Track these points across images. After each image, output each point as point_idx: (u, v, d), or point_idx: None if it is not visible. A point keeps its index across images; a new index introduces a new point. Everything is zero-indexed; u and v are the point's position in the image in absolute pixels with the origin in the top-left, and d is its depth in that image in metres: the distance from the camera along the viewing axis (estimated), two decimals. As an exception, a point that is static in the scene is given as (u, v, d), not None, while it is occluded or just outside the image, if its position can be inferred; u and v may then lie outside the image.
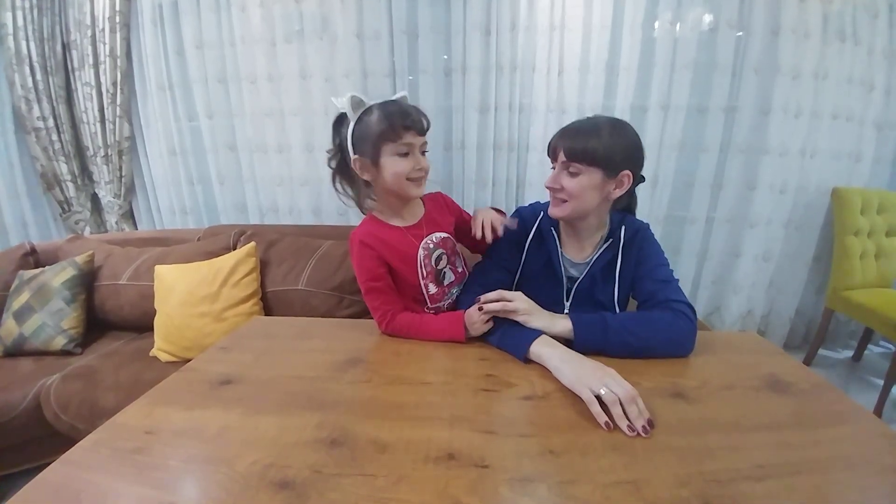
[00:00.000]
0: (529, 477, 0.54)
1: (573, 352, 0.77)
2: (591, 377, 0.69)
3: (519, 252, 1.08)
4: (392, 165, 0.91)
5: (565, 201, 0.94)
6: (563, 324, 0.84)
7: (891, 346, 2.40)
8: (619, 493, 0.51)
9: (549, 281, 1.04)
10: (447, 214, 1.10)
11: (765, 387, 0.73)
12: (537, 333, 0.83)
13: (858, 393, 1.99)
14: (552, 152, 0.96)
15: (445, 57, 2.11)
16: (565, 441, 0.61)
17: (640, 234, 1.01)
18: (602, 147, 0.89)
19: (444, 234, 1.05)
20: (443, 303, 1.06)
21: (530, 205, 1.14)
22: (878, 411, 1.79)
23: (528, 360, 0.81)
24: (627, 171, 0.93)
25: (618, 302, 0.99)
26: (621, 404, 0.63)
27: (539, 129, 2.07)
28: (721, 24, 1.94)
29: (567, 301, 1.04)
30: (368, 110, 0.92)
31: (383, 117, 0.89)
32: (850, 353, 2.34)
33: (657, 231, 2.17)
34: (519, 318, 0.86)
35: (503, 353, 0.86)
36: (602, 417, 0.63)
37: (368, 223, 1.01)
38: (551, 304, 0.97)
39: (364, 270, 0.97)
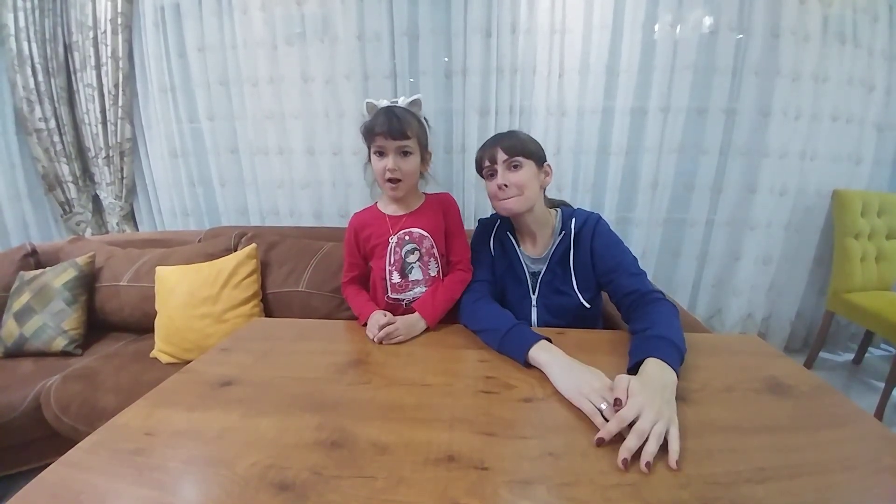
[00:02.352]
0: (529, 479, 0.54)
1: (572, 359, 0.77)
2: (590, 389, 0.68)
3: (491, 255, 1.15)
4: (374, 164, 1.05)
5: (515, 196, 1.01)
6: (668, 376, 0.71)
7: (891, 348, 2.40)
8: (619, 495, 0.51)
9: (514, 279, 1.12)
10: (439, 216, 1.13)
11: (765, 389, 0.73)
12: (538, 337, 0.83)
13: (859, 396, 1.99)
14: (488, 160, 1.04)
15: (446, 59, 2.11)
16: (565, 443, 0.61)
17: (589, 223, 1.07)
18: (527, 141, 1.04)
19: (422, 232, 1.09)
20: (404, 296, 1.09)
21: (490, 215, 1.21)
22: (879, 414, 1.79)
23: (528, 365, 0.81)
24: (548, 163, 1.08)
25: (578, 290, 1.05)
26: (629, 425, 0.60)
27: (539, 131, 2.07)
28: (721, 26, 1.95)
29: (534, 294, 1.10)
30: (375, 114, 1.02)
31: (369, 120, 1.01)
32: (850, 356, 2.34)
33: (657, 233, 2.18)
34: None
35: (503, 355, 0.86)
36: (608, 433, 0.59)
37: (367, 208, 1.17)
38: (520, 300, 1.09)
39: (345, 243, 1.17)
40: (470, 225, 2.18)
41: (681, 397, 0.70)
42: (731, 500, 0.49)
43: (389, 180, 1.03)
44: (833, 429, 0.63)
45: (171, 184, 2.47)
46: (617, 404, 0.63)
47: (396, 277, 1.09)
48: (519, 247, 1.12)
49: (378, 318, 0.97)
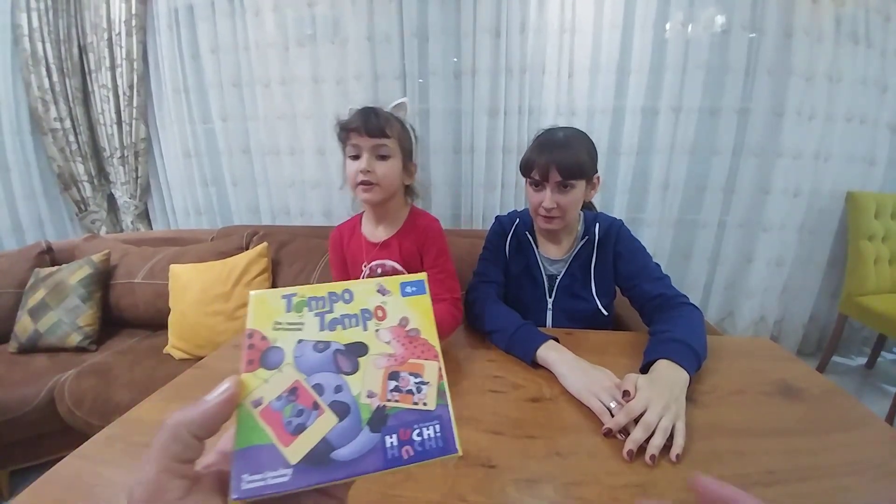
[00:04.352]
0: (536, 478, 0.54)
1: (580, 359, 0.77)
2: (600, 388, 0.68)
3: (505, 254, 1.12)
4: (346, 166, 0.91)
5: (558, 217, 0.98)
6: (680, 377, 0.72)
7: (906, 353, 2.36)
8: (626, 495, 0.51)
9: (530, 282, 1.09)
10: (414, 246, 0.97)
11: (776, 392, 0.72)
12: (545, 338, 0.83)
13: (871, 400, 1.96)
14: (538, 173, 0.96)
15: (455, 59, 2.12)
16: (572, 443, 0.61)
17: (614, 230, 1.04)
18: (586, 158, 0.96)
19: (395, 265, 0.98)
20: None
21: (508, 213, 1.18)
22: (890, 418, 1.76)
23: (535, 365, 0.82)
24: (598, 174, 1.02)
25: (597, 296, 1.03)
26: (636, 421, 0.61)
27: (549, 131, 2.06)
28: (734, 24, 1.93)
29: (550, 298, 1.07)
30: None
31: (344, 119, 0.90)
32: (863, 360, 2.30)
33: (668, 235, 2.16)
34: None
35: (505, 356, 0.86)
36: (616, 424, 0.61)
37: (351, 219, 1.07)
38: (535, 303, 1.05)
39: (331, 263, 1.08)
40: (478, 225, 2.22)
41: (691, 399, 0.69)
42: (739, 502, 0.49)
43: (362, 183, 0.88)
44: (843, 432, 0.62)
45: (184, 183, 2.51)
46: (625, 396, 0.64)
47: None
48: (537, 248, 1.09)
49: None
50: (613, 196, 2.15)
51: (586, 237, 1.04)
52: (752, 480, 0.53)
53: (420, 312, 0.32)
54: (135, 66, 2.29)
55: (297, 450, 0.25)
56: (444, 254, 0.98)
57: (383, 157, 0.88)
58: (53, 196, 2.55)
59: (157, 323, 1.76)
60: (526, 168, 1.00)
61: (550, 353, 0.79)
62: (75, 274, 1.75)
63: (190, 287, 1.67)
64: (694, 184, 2.13)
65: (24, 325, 1.67)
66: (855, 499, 0.51)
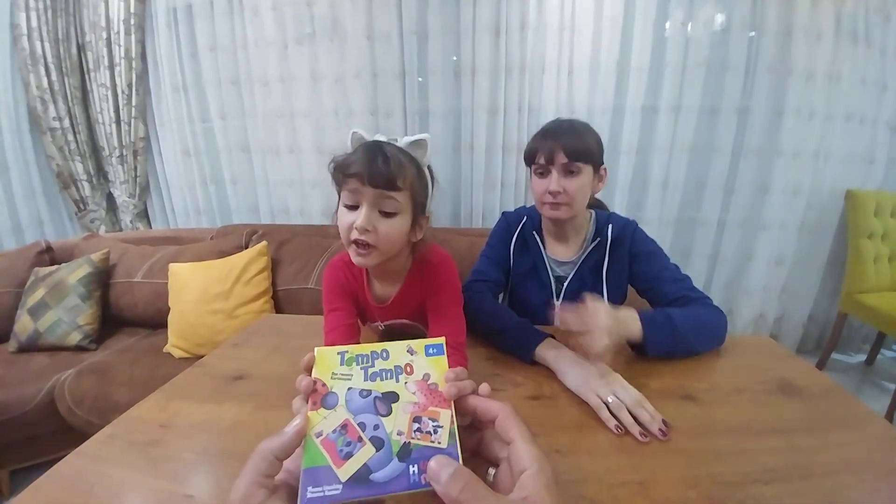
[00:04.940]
0: (537, 475, 0.54)
1: (578, 355, 0.76)
2: (598, 383, 0.68)
3: (508, 252, 1.09)
4: (339, 216, 0.71)
5: (565, 204, 0.94)
6: (633, 327, 0.78)
7: (905, 351, 2.37)
8: (627, 493, 0.51)
9: (536, 283, 1.06)
10: (420, 297, 0.82)
11: (776, 390, 0.73)
12: (543, 336, 0.82)
13: (871, 398, 1.96)
14: (543, 157, 0.93)
15: (455, 58, 2.11)
16: (572, 441, 0.61)
17: (628, 231, 1.01)
18: (591, 141, 0.94)
19: (404, 321, 0.86)
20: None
21: (515, 210, 1.14)
22: (890, 416, 1.76)
23: (533, 362, 0.81)
24: (604, 165, 0.99)
25: (608, 300, 0.98)
26: (629, 410, 0.63)
27: (549, 130, 2.06)
28: (733, 23, 1.93)
29: (557, 301, 1.04)
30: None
31: (342, 156, 0.69)
32: (863, 358, 2.31)
33: (668, 233, 2.17)
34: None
35: (501, 355, 0.86)
36: (611, 422, 0.63)
37: (349, 263, 0.78)
38: (541, 305, 1.00)
39: (326, 292, 0.84)
40: (477, 224, 2.22)
41: (690, 397, 0.70)
42: (738, 501, 0.49)
43: (356, 242, 0.68)
44: (843, 430, 0.62)
45: (183, 182, 2.51)
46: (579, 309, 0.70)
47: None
48: (544, 248, 1.05)
49: None
50: (613, 195, 2.15)
51: (598, 239, 1.01)
52: (752, 478, 0.53)
53: (438, 369, 0.40)
54: (133, 64, 2.29)
55: (346, 471, 0.33)
56: (453, 302, 0.82)
57: (388, 214, 0.68)
58: (53, 195, 2.54)
59: (156, 322, 1.76)
60: (530, 155, 0.97)
61: (549, 351, 0.79)
62: (75, 273, 1.75)
63: (189, 286, 1.67)
64: (694, 182, 2.14)
65: (23, 325, 1.66)
66: (854, 497, 0.51)
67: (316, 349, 0.41)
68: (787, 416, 0.66)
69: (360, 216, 0.66)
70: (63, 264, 1.81)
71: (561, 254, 1.05)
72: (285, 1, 2.12)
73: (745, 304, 2.24)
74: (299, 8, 2.12)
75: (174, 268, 1.72)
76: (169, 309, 1.68)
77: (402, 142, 0.70)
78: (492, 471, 0.36)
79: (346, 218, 0.68)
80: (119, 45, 2.26)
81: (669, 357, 0.80)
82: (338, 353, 0.41)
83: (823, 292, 2.27)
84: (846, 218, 2.07)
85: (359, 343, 0.61)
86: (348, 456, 0.34)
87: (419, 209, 0.72)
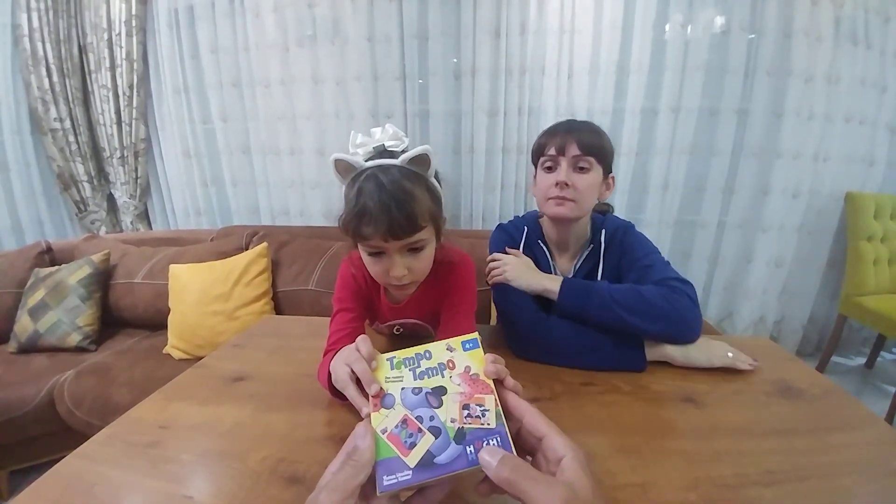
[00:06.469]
0: (537, 477, 0.54)
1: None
2: (719, 351, 0.79)
3: None
4: (367, 264, 0.71)
5: (570, 200, 0.88)
6: (551, 284, 0.86)
7: (905, 353, 2.36)
8: (627, 495, 0.51)
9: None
10: (437, 297, 0.82)
11: (776, 392, 0.73)
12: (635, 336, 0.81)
13: (871, 400, 1.96)
14: (554, 149, 0.88)
15: (455, 60, 2.12)
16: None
17: (618, 236, 0.96)
18: (606, 143, 0.91)
19: (417, 321, 0.88)
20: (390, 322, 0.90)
21: (510, 221, 1.08)
22: (890, 418, 1.76)
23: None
24: (612, 174, 0.95)
25: None
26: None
27: (549, 132, 2.06)
28: (733, 26, 1.93)
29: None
30: (351, 183, 0.66)
31: (352, 207, 0.63)
32: (863, 360, 2.31)
33: (667, 235, 2.17)
34: (508, 281, 0.89)
35: (510, 353, 0.86)
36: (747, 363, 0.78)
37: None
38: (546, 320, 0.92)
39: (342, 287, 0.84)
40: (478, 226, 2.22)
41: (690, 399, 0.70)
42: (738, 503, 0.49)
43: (394, 285, 0.71)
44: (843, 432, 0.62)
45: (184, 183, 2.51)
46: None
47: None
48: (552, 259, 0.99)
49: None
50: (613, 196, 2.15)
51: (591, 245, 0.97)
52: (752, 480, 0.52)
53: (477, 361, 0.46)
54: (135, 66, 2.29)
55: (413, 458, 0.39)
56: (466, 301, 0.81)
57: (417, 251, 0.68)
58: (53, 196, 2.54)
59: (156, 323, 1.76)
60: (539, 148, 0.92)
61: (652, 348, 0.80)
62: (75, 274, 1.75)
63: (189, 287, 1.67)
64: (693, 184, 2.14)
65: (23, 325, 1.67)
66: (855, 499, 0.51)
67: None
68: (788, 418, 0.66)
69: (393, 266, 0.66)
70: (63, 265, 1.81)
71: (564, 263, 1.00)
72: (286, 3, 2.12)
73: (745, 306, 2.23)
74: (300, 10, 2.12)
75: (174, 269, 1.72)
76: (169, 310, 1.68)
77: (402, 159, 0.64)
78: (528, 459, 0.40)
79: (375, 267, 0.69)
80: (120, 47, 2.27)
81: (598, 324, 0.80)
82: (387, 360, 0.48)
83: (823, 294, 2.27)
84: (846, 220, 2.07)
85: None
86: (412, 446, 0.39)
87: (439, 226, 0.71)
